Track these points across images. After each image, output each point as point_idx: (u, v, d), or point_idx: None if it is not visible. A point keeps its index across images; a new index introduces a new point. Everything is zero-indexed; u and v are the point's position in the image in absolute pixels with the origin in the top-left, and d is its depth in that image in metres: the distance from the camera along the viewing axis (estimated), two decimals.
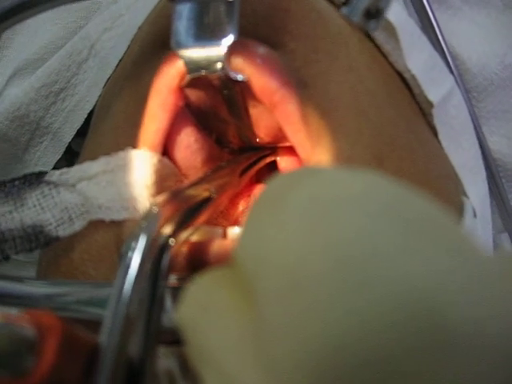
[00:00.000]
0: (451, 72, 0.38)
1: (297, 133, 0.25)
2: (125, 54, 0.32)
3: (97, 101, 0.36)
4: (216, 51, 0.23)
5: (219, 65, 0.23)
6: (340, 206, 0.12)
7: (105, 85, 0.35)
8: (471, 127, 0.38)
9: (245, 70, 0.23)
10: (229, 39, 0.23)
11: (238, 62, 0.23)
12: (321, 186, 0.13)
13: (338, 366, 0.11)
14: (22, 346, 0.14)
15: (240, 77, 0.23)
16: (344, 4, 0.19)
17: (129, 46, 0.32)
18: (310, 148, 0.25)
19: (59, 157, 0.39)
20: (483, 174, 0.39)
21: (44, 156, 0.40)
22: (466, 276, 0.11)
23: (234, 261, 0.14)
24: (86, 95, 0.37)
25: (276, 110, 0.24)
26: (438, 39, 0.39)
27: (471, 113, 0.40)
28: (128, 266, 0.17)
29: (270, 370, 0.12)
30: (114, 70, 0.33)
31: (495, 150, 0.42)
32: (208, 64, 0.23)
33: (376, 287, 0.11)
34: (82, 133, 0.38)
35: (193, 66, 0.23)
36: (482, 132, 0.41)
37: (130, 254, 0.17)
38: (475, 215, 0.36)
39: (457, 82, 0.39)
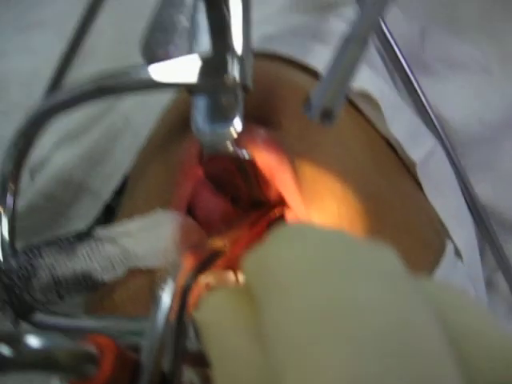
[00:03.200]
0: (435, 129, 0.43)
1: (293, 198, 0.30)
2: (154, 128, 0.38)
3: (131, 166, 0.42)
4: (227, 134, 0.28)
5: (230, 145, 0.28)
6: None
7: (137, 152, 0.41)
8: (454, 179, 0.42)
9: (249, 148, 0.29)
10: (237, 124, 0.28)
11: (243, 142, 0.29)
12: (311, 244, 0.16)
13: None
14: (86, 359, 0.18)
15: (246, 154, 0.29)
16: (304, 109, 0.23)
17: (157, 122, 0.38)
18: (304, 210, 0.30)
19: (98, 213, 0.45)
20: (468, 219, 0.43)
21: (85, 212, 0.45)
22: None
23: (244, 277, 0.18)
24: (121, 161, 0.43)
25: (275, 180, 0.30)
26: (421, 102, 0.43)
27: (457, 164, 0.44)
28: (160, 305, 0.21)
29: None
30: (146, 141, 0.39)
31: (482, 197, 0.46)
32: (221, 144, 0.29)
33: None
34: (116, 190, 0.44)
35: (209, 146, 0.29)
36: (469, 181, 0.45)
37: (161, 295, 0.22)
38: (460, 256, 0.40)
39: (441, 138, 0.43)
